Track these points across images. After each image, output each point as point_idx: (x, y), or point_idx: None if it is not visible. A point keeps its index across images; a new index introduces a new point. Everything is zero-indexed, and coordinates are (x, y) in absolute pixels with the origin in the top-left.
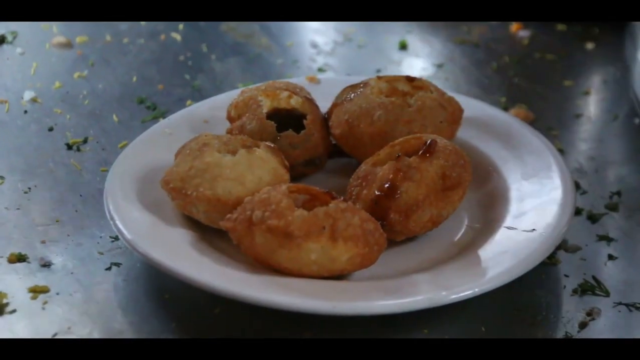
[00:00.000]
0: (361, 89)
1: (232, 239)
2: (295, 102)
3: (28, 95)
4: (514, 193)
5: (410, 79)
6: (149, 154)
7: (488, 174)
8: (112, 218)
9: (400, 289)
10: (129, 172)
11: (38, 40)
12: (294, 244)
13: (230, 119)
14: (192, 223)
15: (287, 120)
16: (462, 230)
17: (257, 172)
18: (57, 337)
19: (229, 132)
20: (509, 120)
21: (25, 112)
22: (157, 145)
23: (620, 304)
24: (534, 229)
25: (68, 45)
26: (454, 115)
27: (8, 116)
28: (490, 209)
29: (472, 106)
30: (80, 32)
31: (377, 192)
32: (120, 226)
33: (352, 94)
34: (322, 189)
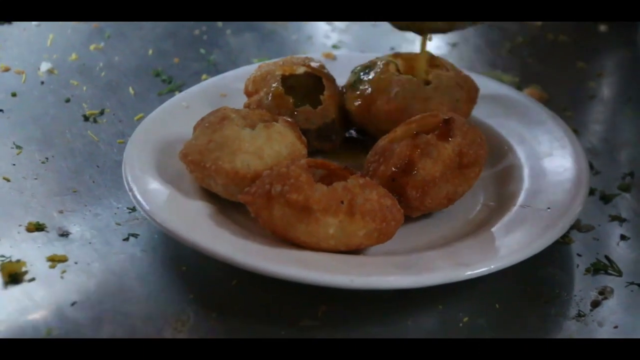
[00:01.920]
0: (378, 66)
1: (249, 212)
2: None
3: (45, 66)
4: (528, 172)
5: (427, 57)
6: (166, 127)
7: (503, 153)
8: (130, 189)
9: (417, 264)
10: (147, 144)
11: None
12: (313, 218)
13: (248, 93)
14: (210, 196)
15: (304, 95)
16: (478, 208)
17: (276, 146)
18: (75, 305)
19: (247, 106)
20: (524, 100)
21: (42, 83)
22: (174, 118)
23: (632, 283)
24: (548, 208)
25: None
26: (470, 93)
27: (25, 87)
28: (505, 187)
29: (488, 85)
30: None
31: (394, 169)
32: (139, 197)
33: (369, 71)
34: (339, 165)
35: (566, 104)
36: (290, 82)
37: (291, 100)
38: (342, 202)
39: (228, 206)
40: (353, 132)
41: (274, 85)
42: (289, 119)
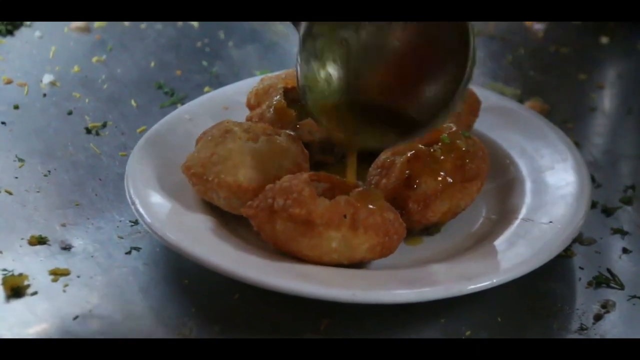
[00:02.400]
0: None
1: (252, 226)
2: None
3: (47, 78)
4: (530, 185)
5: None
6: (168, 140)
7: (505, 166)
8: (132, 202)
9: (419, 278)
10: (149, 156)
11: (56, 24)
12: (315, 232)
13: (250, 106)
14: (212, 209)
15: (306, 108)
16: (480, 222)
17: (279, 160)
18: (78, 319)
19: (249, 119)
20: (526, 113)
21: (45, 95)
22: (176, 131)
23: (634, 297)
24: (550, 221)
25: (86, 29)
26: (472, 106)
27: (27, 99)
28: (507, 200)
29: (489, 98)
30: None
31: (396, 182)
32: (141, 210)
33: None
34: (342, 178)
35: (567, 116)
36: (292, 95)
37: (294, 114)
38: (344, 216)
39: (230, 220)
40: None
41: (276, 98)
42: (292, 133)
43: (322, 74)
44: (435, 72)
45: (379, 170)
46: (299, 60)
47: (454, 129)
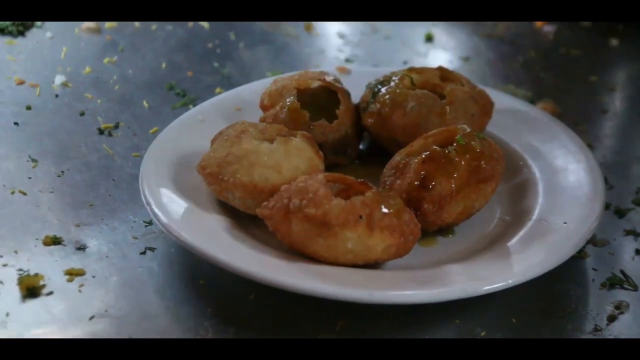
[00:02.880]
0: (393, 80)
1: (267, 226)
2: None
3: (59, 79)
4: (544, 186)
5: (442, 71)
6: (182, 140)
7: (518, 168)
8: (148, 202)
9: (435, 279)
10: (163, 157)
11: (67, 25)
12: (331, 233)
13: (264, 107)
14: (227, 209)
15: (319, 109)
16: (494, 223)
17: (294, 160)
18: (94, 319)
19: (262, 120)
20: (539, 114)
21: (57, 96)
22: (190, 132)
23: None
24: (565, 223)
25: (97, 30)
26: (485, 108)
27: (39, 100)
28: (521, 202)
29: (502, 100)
30: None
31: (410, 183)
32: (157, 211)
33: (384, 86)
34: (356, 179)
35: (579, 118)
36: (305, 97)
37: (307, 115)
38: (360, 217)
39: (246, 220)
40: (369, 146)
41: (289, 99)
42: (307, 134)
43: None
44: None
45: (393, 171)
46: None
47: (468, 130)
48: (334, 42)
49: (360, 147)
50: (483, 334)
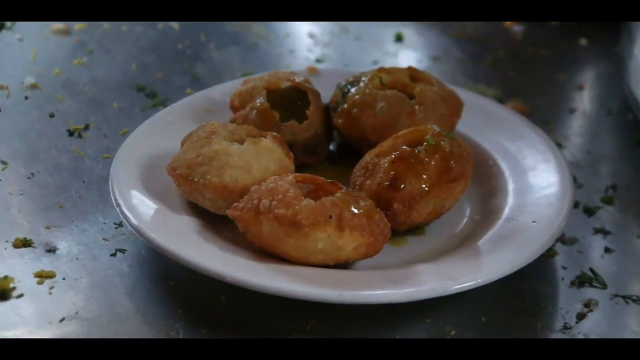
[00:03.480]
0: (363, 81)
1: (237, 227)
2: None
3: (28, 81)
4: (513, 186)
5: (411, 72)
6: (152, 142)
7: (488, 167)
8: (118, 204)
9: (405, 278)
10: (133, 159)
11: (36, 27)
12: (301, 233)
13: (234, 108)
14: (198, 210)
15: (289, 109)
16: (464, 222)
17: (264, 161)
18: (64, 321)
19: (232, 121)
20: (508, 114)
21: (26, 98)
22: (160, 133)
23: (617, 295)
24: (534, 221)
25: (66, 32)
26: (455, 108)
27: (9, 101)
28: (490, 201)
29: (471, 99)
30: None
31: (380, 183)
32: (127, 212)
33: (354, 86)
34: (326, 179)
35: (548, 117)
36: (275, 97)
37: (277, 116)
38: (330, 217)
39: (216, 221)
40: (339, 147)
41: (259, 100)
42: (277, 135)
43: None
44: None
45: (363, 171)
46: None
47: (438, 130)
48: (304, 42)
49: (330, 147)
50: (453, 332)
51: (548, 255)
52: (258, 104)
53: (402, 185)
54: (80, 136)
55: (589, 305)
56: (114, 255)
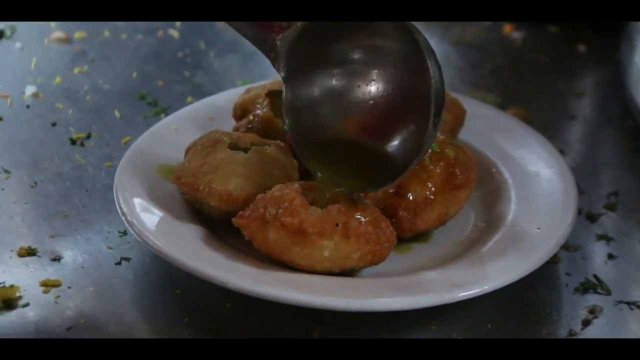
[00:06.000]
0: None
1: (243, 235)
2: None
3: (29, 90)
4: (516, 192)
5: None
6: (156, 150)
7: (491, 174)
8: (123, 213)
9: (411, 286)
10: (137, 167)
11: (37, 35)
12: (308, 241)
13: (237, 116)
14: (203, 219)
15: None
16: (469, 229)
17: (269, 169)
18: (71, 330)
19: (236, 129)
20: (510, 121)
21: (28, 107)
22: (163, 141)
23: (621, 302)
24: (538, 228)
25: (67, 40)
26: (457, 115)
27: (11, 111)
28: (494, 208)
29: (472, 106)
30: (78, 27)
31: (386, 190)
32: (132, 220)
33: None
34: None
35: (548, 124)
36: (277, 100)
37: (281, 123)
38: (337, 225)
39: (221, 229)
40: None
41: (263, 108)
42: (281, 143)
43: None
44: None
45: None
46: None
47: (442, 137)
48: None
49: None
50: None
51: (551, 261)
52: (261, 112)
53: (407, 193)
54: (82, 145)
55: (593, 311)
56: (119, 263)
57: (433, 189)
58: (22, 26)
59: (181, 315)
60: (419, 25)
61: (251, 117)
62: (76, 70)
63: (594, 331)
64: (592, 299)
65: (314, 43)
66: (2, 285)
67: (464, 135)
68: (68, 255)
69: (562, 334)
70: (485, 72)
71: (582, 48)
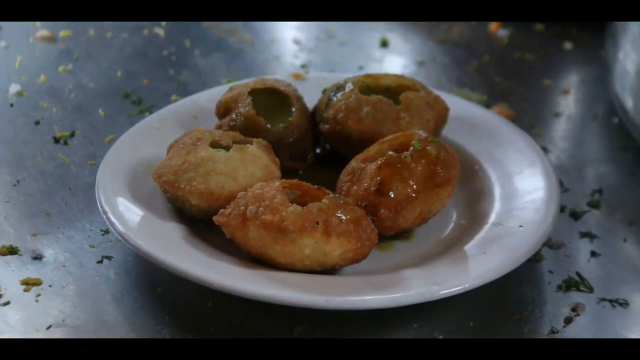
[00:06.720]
0: (348, 86)
1: (224, 234)
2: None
3: (14, 88)
4: (499, 190)
5: (397, 77)
6: (138, 148)
7: (474, 172)
8: (104, 211)
9: (392, 284)
10: (119, 165)
11: (22, 34)
12: (288, 239)
13: (219, 114)
14: (184, 217)
15: (275, 116)
16: (450, 227)
17: (250, 167)
18: (51, 329)
19: (218, 127)
20: (494, 119)
21: (12, 105)
22: (146, 140)
23: (603, 299)
24: (520, 226)
25: (52, 39)
26: (440, 113)
27: None
28: (477, 206)
29: (457, 104)
30: (63, 26)
31: (367, 188)
32: (113, 219)
33: (340, 91)
34: (313, 185)
35: (533, 122)
36: (260, 103)
37: (263, 121)
38: (317, 223)
39: (202, 227)
40: (325, 152)
41: (245, 107)
42: (263, 141)
43: None
44: None
45: (349, 177)
46: None
47: (424, 135)
48: (290, 48)
49: (317, 152)
50: (441, 337)
51: (534, 259)
52: (243, 111)
53: (389, 191)
54: (66, 143)
55: (576, 309)
56: (100, 262)
57: (415, 186)
58: (7, 24)
59: (162, 313)
60: (405, 24)
61: (234, 116)
62: (61, 68)
63: (576, 329)
64: (575, 297)
65: None
66: None
67: (447, 132)
68: (49, 253)
69: (545, 331)
70: (470, 70)
71: (567, 46)
